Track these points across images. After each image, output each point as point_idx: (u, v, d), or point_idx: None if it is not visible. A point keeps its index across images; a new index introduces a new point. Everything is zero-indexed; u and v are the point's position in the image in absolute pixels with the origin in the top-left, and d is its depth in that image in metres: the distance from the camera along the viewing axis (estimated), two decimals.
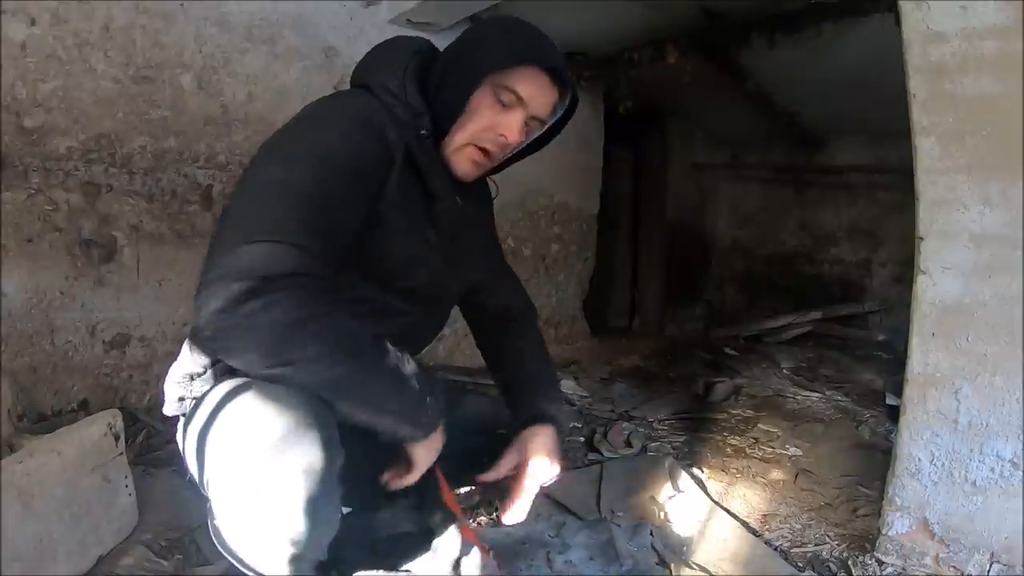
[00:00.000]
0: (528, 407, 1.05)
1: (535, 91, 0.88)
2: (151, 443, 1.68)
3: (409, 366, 0.77)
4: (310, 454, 0.66)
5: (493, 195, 1.13)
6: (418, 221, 0.89)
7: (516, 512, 0.95)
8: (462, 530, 0.96)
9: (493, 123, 0.87)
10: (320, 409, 0.69)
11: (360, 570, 0.99)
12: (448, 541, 0.93)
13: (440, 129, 0.89)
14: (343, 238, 0.75)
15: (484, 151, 0.89)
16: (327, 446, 0.68)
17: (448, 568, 0.91)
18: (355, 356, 0.70)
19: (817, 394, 2.75)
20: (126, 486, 1.22)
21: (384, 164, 0.82)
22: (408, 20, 2.47)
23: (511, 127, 0.88)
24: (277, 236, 0.63)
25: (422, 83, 0.89)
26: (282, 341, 0.63)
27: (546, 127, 0.96)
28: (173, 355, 0.85)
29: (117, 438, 1.20)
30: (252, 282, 0.60)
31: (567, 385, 2.71)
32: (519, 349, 1.14)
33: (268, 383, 0.68)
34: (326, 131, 0.77)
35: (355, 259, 0.81)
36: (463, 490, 1.12)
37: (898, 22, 1.28)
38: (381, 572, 1.00)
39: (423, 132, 0.87)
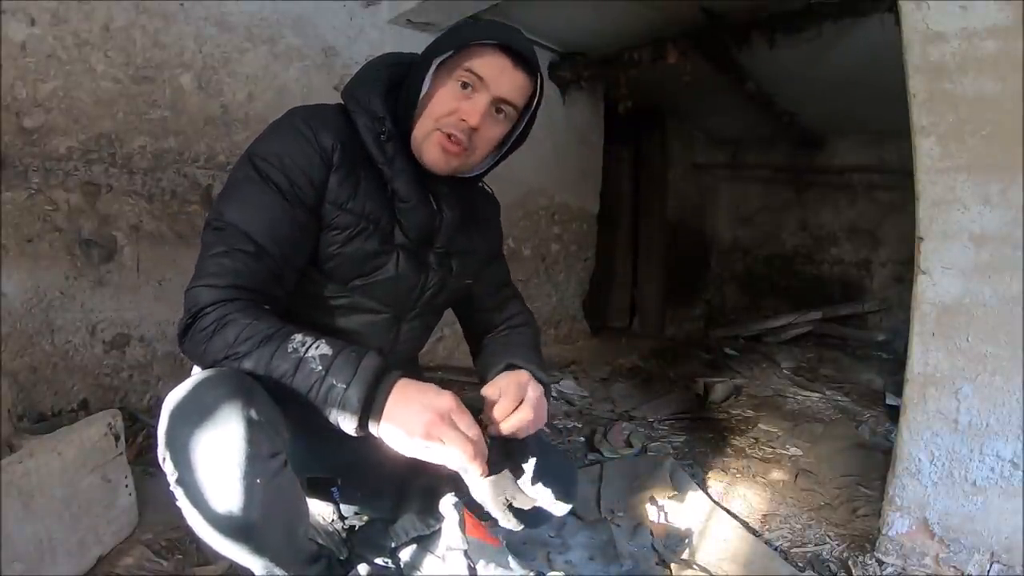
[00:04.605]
0: (503, 362, 0.99)
1: (495, 71, 0.86)
2: (151, 443, 1.68)
3: (318, 348, 0.75)
4: (227, 425, 0.70)
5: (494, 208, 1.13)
6: (378, 221, 0.91)
7: (507, 425, 0.86)
8: (473, 526, 0.96)
9: (454, 107, 0.88)
10: (247, 389, 0.73)
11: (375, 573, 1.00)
12: (455, 540, 0.93)
13: (407, 128, 0.91)
14: (282, 249, 0.84)
15: (451, 137, 0.88)
16: (247, 421, 0.71)
17: (463, 569, 0.91)
18: (257, 350, 0.76)
19: (817, 394, 2.76)
20: (126, 486, 1.22)
21: (318, 168, 0.86)
22: (408, 20, 2.47)
23: (472, 109, 0.87)
24: (200, 282, 0.80)
25: (392, 91, 0.92)
26: (206, 352, 0.78)
27: (528, 115, 0.96)
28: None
29: (117, 438, 1.20)
30: (188, 318, 0.80)
31: (567, 385, 2.71)
32: (507, 335, 1.12)
33: (216, 370, 0.76)
34: (259, 158, 0.86)
35: (315, 258, 0.89)
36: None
37: (898, 22, 1.28)
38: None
39: (382, 135, 0.90)
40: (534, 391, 0.89)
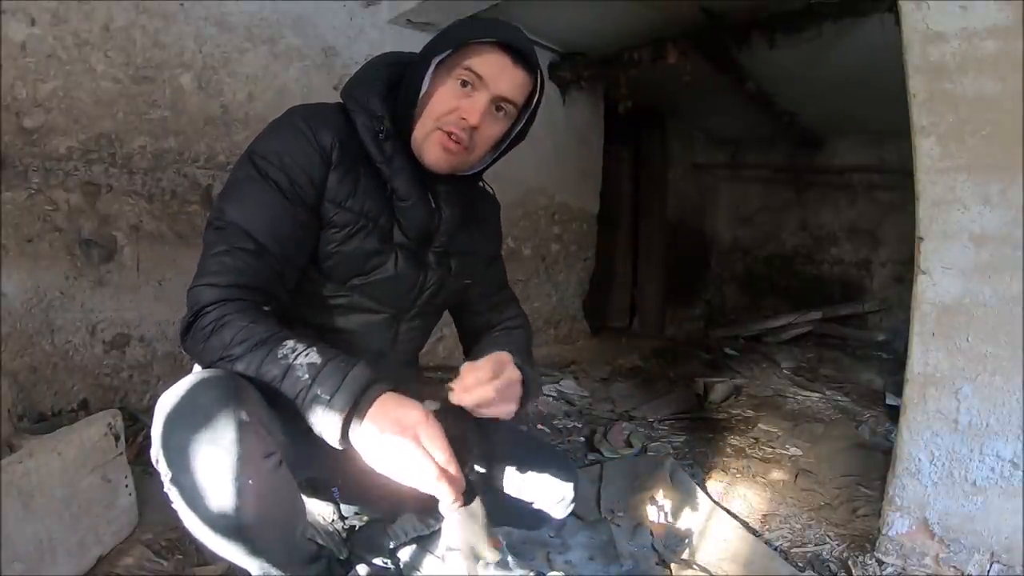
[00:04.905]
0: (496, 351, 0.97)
1: (494, 70, 0.86)
2: (150, 443, 1.67)
3: (307, 356, 0.75)
4: (219, 426, 0.70)
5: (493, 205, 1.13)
6: (377, 219, 0.91)
7: (468, 396, 0.83)
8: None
9: (454, 105, 0.88)
10: (239, 391, 0.73)
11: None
12: (455, 539, 0.93)
13: (406, 127, 0.91)
14: (283, 248, 0.84)
15: (451, 136, 0.88)
16: (239, 422, 0.70)
17: (463, 569, 0.91)
18: (250, 353, 0.76)
19: (817, 394, 2.76)
20: (126, 486, 1.22)
21: (317, 167, 0.87)
22: (408, 20, 2.47)
23: (472, 108, 0.87)
24: (202, 281, 0.81)
25: (391, 91, 0.92)
26: (204, 350, 0.79)
27: (528, 113, 0.96)
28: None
29: (117, 438, 1.20)
30: (190, 317, 0.80)
31: (567, 385, 2.71)
32: (499, 337, 1.10)
33: (210, 372, 0.77)
34: (260, 157, 0.86)
35: (314, 257, 0.90)
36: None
37: (898, 22, 1.28)
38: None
39: (380, 134, 0.90)
40: (511, 373, 0.88)
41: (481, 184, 1.08)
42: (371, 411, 0.73)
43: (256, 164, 0.85)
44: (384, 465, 0.72)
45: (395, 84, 0.93)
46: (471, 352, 1.11)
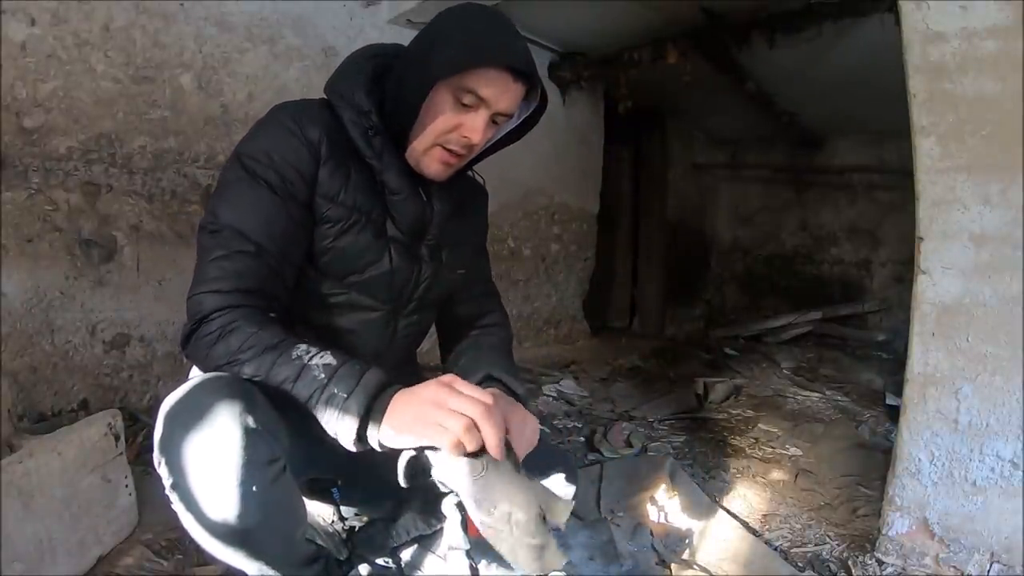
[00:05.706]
0: (481, 370, 0.97)
1: (497, 90, 0.87)
2: (151, 443, 1.68)
3: (322, 357, 0.76)
4: (224, 431, 0.69)
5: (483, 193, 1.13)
6: (369, 214, 0.91)
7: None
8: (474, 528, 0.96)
9: (456, 124, 0.88)
10: (245, 395, 0.72)
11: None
12: (457, 540, 0.92)
13: (396, 127, 0.91)
14: (279, 246, 0.84)
15: (451, 152, 0.90)
16: (244, 427, 0.70)
17: (465, 569, 0.91)
18: (259, 357, 0.76)
19: (817, 394, 2.76)
20: (126, 486, 1.22)
21: (307, 163, 0.87)
22: (408, 20, 2.47)
23: (475, 128, 0.87)
24: (203, 288, 0.80)
25: (376, 84, 0.92)
26: (209, 357, 0.79)
27: (520, 119, 0.96)
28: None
29: (117, 438, 1.20)
30: (193, 324, 0.80)
31: (567, 385, 2.71)
32: (482, 337, 1.09)
33: (215, 375, 0.76)
34: (248, 157, 0.86)
35: (310, 255, 0.89)
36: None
37: (898, 22, 1.28)
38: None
39: (370, 131, 0.90)
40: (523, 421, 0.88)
41: (470, 174, 1.08)
42: (394, 402, 0.73)
43: (245, 164, 0.85)
44: (424, 420, 0.70)
45: (378, 77, 0.93)
46: (449, 357, 1.10)
